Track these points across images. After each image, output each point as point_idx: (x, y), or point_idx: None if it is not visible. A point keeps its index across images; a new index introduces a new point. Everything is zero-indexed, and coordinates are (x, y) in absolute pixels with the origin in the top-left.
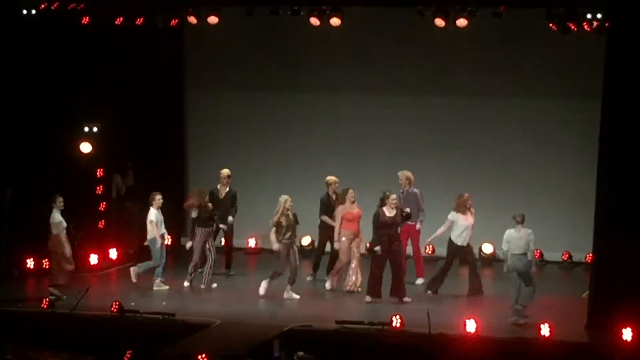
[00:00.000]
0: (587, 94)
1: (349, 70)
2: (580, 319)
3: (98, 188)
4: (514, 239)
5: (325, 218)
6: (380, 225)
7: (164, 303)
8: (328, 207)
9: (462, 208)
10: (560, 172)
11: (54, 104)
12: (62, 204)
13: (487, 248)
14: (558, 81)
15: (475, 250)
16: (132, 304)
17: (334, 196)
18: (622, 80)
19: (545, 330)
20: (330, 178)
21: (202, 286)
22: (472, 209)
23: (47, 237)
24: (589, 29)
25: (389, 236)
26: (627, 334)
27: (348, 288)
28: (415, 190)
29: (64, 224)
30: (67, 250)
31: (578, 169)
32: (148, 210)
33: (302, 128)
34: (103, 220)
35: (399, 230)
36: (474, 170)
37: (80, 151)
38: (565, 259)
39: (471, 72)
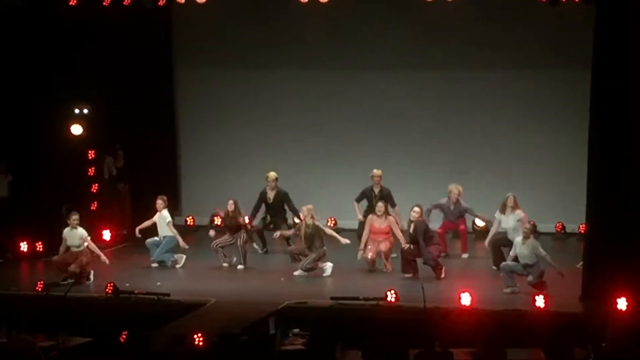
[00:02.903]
0: (578, 64)
1: (338, 47)
2: (575, 290)
3: (90, 170)
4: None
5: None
6: None
7: (158, 283)
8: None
9: (503, 208)
10: (552, 143)
11: (44, 87)
12: (76, 221)
13: (480, 221)
14: (548, 52)
15: (469, 224)
16: (127, 285)
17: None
18: (611, 49)
19: (539, 301)
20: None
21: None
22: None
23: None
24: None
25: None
26: (621, 303)
27: None
28: (465, 205)
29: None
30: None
31: (570, 139)
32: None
33: (292, 105)
34: (95, 202)
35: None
36: (465, 143)
37: (71, 133)
38: (559, 230)
39: (460, 44)
